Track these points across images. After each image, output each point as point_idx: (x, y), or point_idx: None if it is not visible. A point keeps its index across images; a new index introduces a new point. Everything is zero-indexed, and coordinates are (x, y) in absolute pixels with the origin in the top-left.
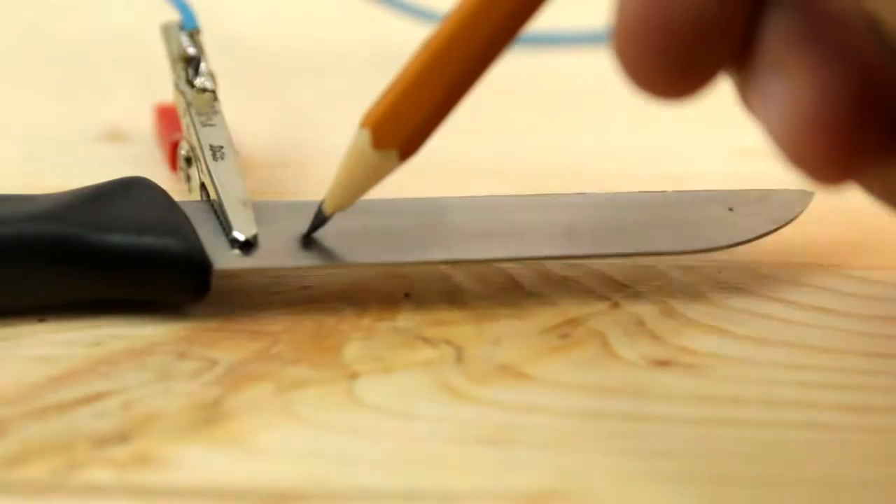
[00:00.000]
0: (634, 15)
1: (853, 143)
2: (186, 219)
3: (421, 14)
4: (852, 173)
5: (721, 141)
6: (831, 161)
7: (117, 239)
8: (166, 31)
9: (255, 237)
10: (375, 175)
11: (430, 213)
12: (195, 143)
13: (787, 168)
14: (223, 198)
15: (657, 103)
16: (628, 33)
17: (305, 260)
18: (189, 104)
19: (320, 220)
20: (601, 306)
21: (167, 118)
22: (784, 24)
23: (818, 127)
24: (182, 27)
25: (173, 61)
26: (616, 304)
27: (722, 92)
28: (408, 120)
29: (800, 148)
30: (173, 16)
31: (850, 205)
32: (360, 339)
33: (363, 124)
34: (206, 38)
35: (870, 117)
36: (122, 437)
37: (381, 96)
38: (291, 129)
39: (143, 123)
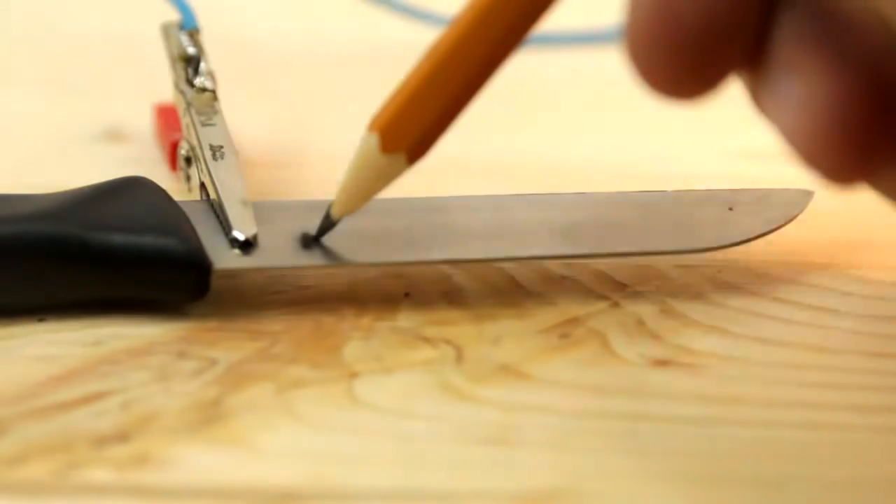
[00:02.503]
0: (647, 14)
1: (867, 143)
2: (186, 219)
3: (420, 15)
4: (865, 173)
5: (721, 141)
6: (845, 161)
7: (117, 239)
8: (166, 30)
9: (254, 237)
10: (384, 179)
11: (430, 213)
12: (195, 143)
13: (800, 168)
14: (223, 197)
15: (668, 103)
16: (641, 33)
17: (305, 260)
18: (189, 104)
19: (328, 223)
20: (601, 306)
21: (167, 118)
22: (796, 25)
23: (832, 127)
24: (182, 27)
25: (173, 61)
26: (616, 304)
27: (722, 92)
28: (416, 123)
29: (813, 148)
30: (173, 16)
31: (850, 205)
32: (360, 338)
33: (371, 128)
34: (206, 38)
35: (883, 117)
36: (122, 437)
37: (389, 100)
38: (291, 129)
39: (143, 123)
